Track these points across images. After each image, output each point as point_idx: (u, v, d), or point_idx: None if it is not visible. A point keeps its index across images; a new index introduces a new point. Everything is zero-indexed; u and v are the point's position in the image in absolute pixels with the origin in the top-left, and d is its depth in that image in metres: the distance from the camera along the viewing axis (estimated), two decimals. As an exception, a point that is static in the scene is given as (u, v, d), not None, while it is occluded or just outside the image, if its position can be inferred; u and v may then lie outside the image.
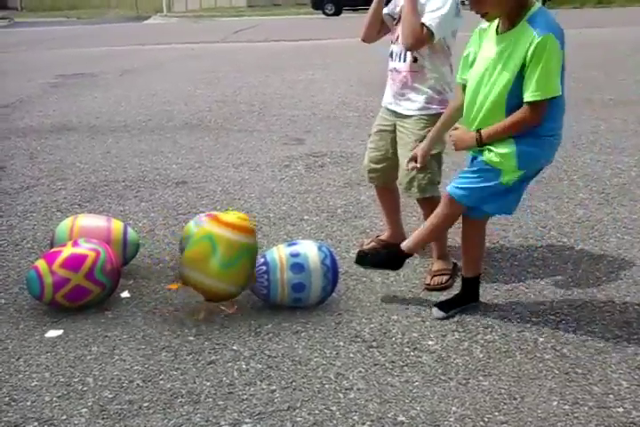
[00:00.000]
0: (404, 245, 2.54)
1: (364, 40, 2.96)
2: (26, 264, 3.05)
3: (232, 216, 2.51)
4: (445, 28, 2.65)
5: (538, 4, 2.21)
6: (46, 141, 5.45)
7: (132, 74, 9.60)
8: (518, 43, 2.16)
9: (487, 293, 2.67)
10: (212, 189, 4.10)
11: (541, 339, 2.34)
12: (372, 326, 2.46)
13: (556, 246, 3.11)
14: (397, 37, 2.80)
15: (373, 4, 2.85)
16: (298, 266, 2.53)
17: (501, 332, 2.39)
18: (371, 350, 2.30)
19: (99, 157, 4.88)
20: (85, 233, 2.81)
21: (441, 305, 2.54)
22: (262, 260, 2.59)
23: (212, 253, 2.43)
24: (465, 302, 2.55)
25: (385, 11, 2.86)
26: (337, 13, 25.75)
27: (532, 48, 2.11)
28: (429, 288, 2.74)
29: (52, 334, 2.44)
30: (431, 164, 2.74)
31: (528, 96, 2.15)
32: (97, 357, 2.29)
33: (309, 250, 2.59)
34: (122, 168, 4.57)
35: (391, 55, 2.86)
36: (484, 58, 2.29)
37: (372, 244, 3.14)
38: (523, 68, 2.16)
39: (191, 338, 2.40)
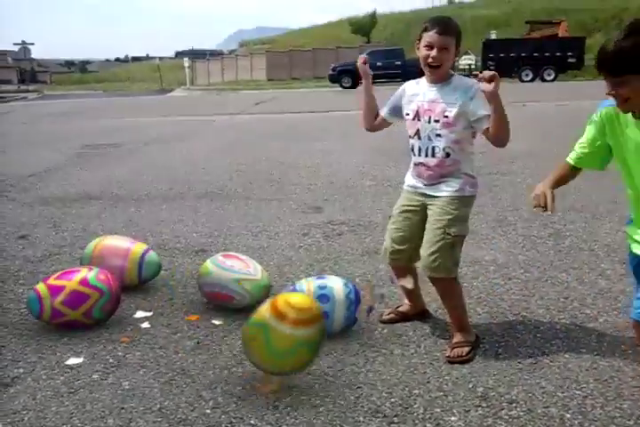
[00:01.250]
0: None
1: (368, 130, 3.05)
2: (45, 333, 3.05)
3: (288, 308, 2.31)
4: None
5: None
6: (70, 210, 5.57)
7: (156, 144, 9.90)
8: None
9: (510, 366, 2.61)
10: (231, 258, 4.13)
11: (568, 415, 2.26)
12: (392, 400, 2.40)
13: (579, 318, 3.06)
14: (417, 132, 2.76)
15: (364, 97, 2.98)
16: (324, 297, 2.86)
17: (526, 407, 2.32)
18: (392, 425, 2.24)
19: (120, 226, 4.96)
20: (107, 251, 3.46)
21: None
22: (291, 288, 2.96)
23: (264, 344, 2.36)
24: None
25: (389, 105, 2.90)
26: (354, 86, 26.62)
27: None
28: (450, 360, 2.69)
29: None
30: (456, 245, 2.73)
31: None
32: (112, 430, 2.25)
33: (335, 284, 2.95)
34: (143, 236, 4.64)
35: (412, 149, 2.81)
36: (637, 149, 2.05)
37: (392, 315, 3.11)
38: None
39: (208, 411, 2.35)
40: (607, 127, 2.15)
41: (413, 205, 2.86)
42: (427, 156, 2.76)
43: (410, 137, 2.82)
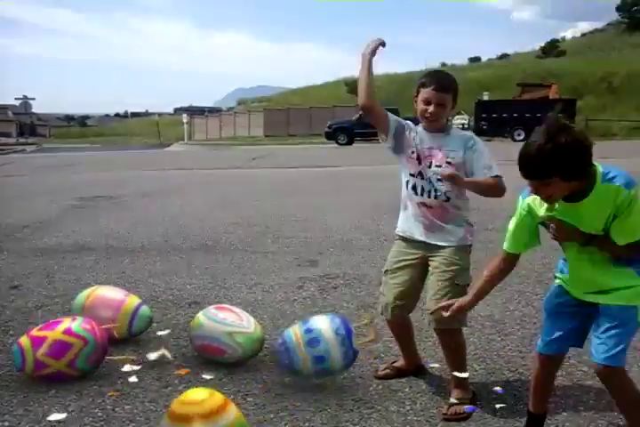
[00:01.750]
0: (534, 409, 2.46)
1: (365, 106, 2.76)
2: (34, 385, 2.97)
3: (185, 406, 2.01)
4: None
5: (598, 165, 2.09)
6: (63, 261, 5.54)
7: (152, 197, 9.95)
8: (606, 201, 2.07)
9: (508, 423, 2.55)
10: (225, 311, 4.08)
11: (569, 476, 2.19)
12: (388, 458, 2.33)
13: (576, 375, 3.01)
14: (420, 173, 2.76)
15: (365, 72, 2.73)
16: (315, 340, 2.84)
17: (526, 468, 2.25)
18: (387, 485, 2.17)
19: (114, 277, 4.92)
20: (99, 302, 3.43)
21: None
22: (281, 341, 2.93)
23: None
24: None
25: (395, 120, 2.80)
26: (349, 143, 27.09)
27: (624, 202, 2.05)
28: (447, 418, 2.62)
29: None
30: (463, 295, 2.65)
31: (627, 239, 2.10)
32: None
33: (322, 323, 2.90)
34: (135, 288, 4.59)
35: (414, 189, 2.79)
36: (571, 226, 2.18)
37: (387, 370, 3.05)
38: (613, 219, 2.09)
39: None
40: (532, 212, 2.25)
41: (412, 259, 2.83)
42: (429, 197, 2.76)
43: (411, 175, 2.79)
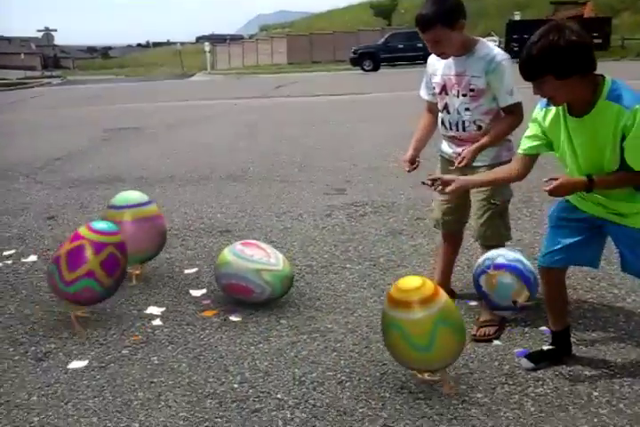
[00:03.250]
0: (553, 326, 2.51)
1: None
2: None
3: (403, 293, 2.17)
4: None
5: (608, 78, 2.08)
6: (96, 192, 5.63)
7: (178, 128, 9.94)
8: (606, 121, 2.06)
9: (537, 345, 2.60)
10: (256, 238, 4.14)
11: (595, 393, 2.25)
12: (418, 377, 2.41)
13: (607, 298, 3.04)
14: (445, 106, 2.76)
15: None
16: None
17: (553, 385, 2.32)
18: (418, 401, 2.25)
19: (145, 207, 5.00)
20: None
21: (531, 356, 2.47)
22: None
23: (404, 341, 2.20)
24: (557, 355, 2.48)
25: (425, 87, 2.90)
26: (375, 69, 26.41)
27: (629, 122, 2.02)
28: (476, 339, 2.69)
29: (77, 365, 2.57)
30: (503, 211, 2.78)
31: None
32: (143, 402, 2.29)
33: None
34: (168, 217, 4.66)
35: (443, 124, 2.81)
36: (573, 143, 2.18)
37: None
38: (622, 140, 2.07)
39: (235, 386, 2.39)
40: (546, 123, 2.24)
41: (454, 175, 2.86)
42: (457, 130, 2.76)
43: (439, 111, 2.81)
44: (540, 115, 2.26)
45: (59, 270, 2.74)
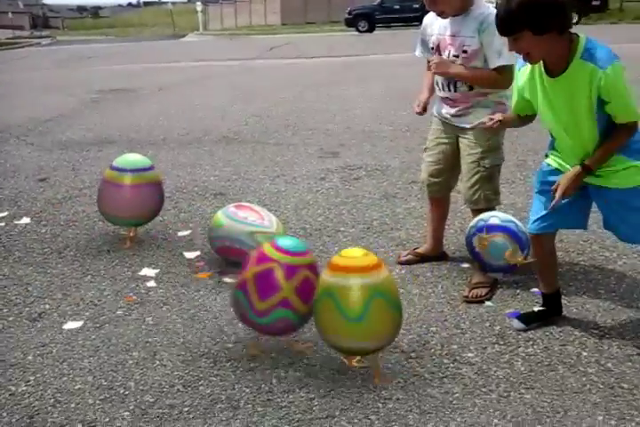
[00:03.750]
0: (544, 289, 2.54)
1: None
2: (69, 271, 3.12)
3: (343, 259, 2.10)
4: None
5: (583, 37, 2.10)
6: (88, 154, 5.58)
7: (170, 90, 9.79)
8: (581, 81, 2.08)
9: (528, 306, 2.63)
10: (250, 201, 4.13)
11: (585, 353, 2.29)
12: (410, 337, 2.45)
13: (598, 260, 3.06)
14: None
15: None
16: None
17: (543, 345, 2.35)
18: (409, 360, 2.29)
19: (138, 169, 4.97)
20: None
21: (522, 317, 2.50)
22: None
23: (336, 310, 2.08)
24: (547, 315, 2.51)
25: (418, 44, 2.90)
26: (370, 30, 25.96)
27: (602, 83, 2.03)
28: (467, 301, 2.71)
29: (72, 325, 2.58)
30: (493, 175, 2.78)
31: (620, 119, 2.12)
32: (138, 362, 2.32)
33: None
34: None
35: (437, 84, 2.80)
36: (551, 104, 2.20)
37: (409, 256, 3.13)
38: (599, 102, 2.10)
39: (230, 345, 2.42)
40: (521, 82, 2.29)
41: (446, 137, 2.88)
42: (449, 90, 2.75)
43: (434, 72, 2.78)
44: (518, 75, 2.29)
45: (247, 298, 2.24)
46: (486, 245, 2.52)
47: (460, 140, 2.80)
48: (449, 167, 2.90)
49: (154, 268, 3.14)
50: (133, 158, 3.38)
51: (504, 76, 2.61)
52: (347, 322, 2.06)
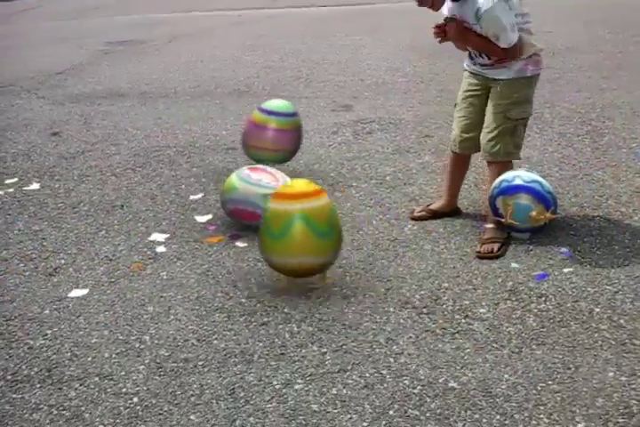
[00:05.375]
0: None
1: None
2: (83, 226, 3.14)
3: (282, 187, 2.48)
4: (511, 19, 2.54)
5: None
6: (99, 107, 5.53)
7: (180, 40, 9.61)
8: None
9: (542, 262, 2.62)
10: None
11: (597, 309, 2.29)
12: (422, 292, 2.45)
13: (614, 216, 3.03)
14: None
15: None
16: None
17: (555, 302, 2.35)
18: (421, 316, 2.30)
19: (150, 123, 4.93)
20: None
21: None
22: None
23: (264, 229, 2.44)
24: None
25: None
26: (385, -23, 25.16)
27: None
28: (480, 256, 2.71)
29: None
30: (517, 129, 2.73)
31: None
32: (153, 316, 2.35)
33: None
34: (173, 134, 4.62)
35: (469, 54, 2.80)
36: None
37: (422, 212, 3.11)
38: None
39: (243, 300, 2.44)
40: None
41: (476, 89, 2.82)
42: (482, 57, 2.73)
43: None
44: None
45: None
46: (511, 206, 2.48)
47: (491, 90, 2.75)
48: (479, 121, 2.83)
49: (164, 233, 3.09)
50: (279, 104, 3.56)
51: (509, 51, 2.60)
52: (271, 239, 2.40)
